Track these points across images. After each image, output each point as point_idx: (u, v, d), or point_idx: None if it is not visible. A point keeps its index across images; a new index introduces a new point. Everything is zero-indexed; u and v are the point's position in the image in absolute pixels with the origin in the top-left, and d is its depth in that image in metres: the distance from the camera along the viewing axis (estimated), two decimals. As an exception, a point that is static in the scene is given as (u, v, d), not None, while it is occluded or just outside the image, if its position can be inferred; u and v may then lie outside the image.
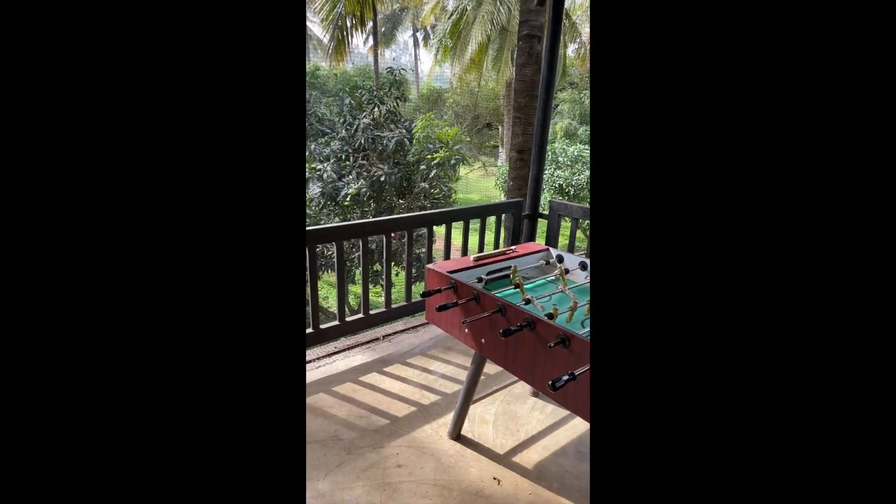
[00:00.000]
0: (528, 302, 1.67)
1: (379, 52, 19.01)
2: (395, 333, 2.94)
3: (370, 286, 2.63)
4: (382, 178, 6.91)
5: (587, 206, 3.22)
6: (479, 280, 1.87)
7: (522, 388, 2.36)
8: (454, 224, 3.04)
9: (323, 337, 2.62)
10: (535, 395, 2.33)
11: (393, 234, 2.87)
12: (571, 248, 3.14)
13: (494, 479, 1.82)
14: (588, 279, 2.01)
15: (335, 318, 2.64)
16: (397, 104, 7.49)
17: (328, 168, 7.04)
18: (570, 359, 1.38)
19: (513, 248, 2.21)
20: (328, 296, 9.61)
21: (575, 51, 14.81)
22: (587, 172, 9.78)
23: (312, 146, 7.64)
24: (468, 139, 14.75)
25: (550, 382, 1.22)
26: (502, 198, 11.16)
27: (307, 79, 15.61)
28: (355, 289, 8.11)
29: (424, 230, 2.93)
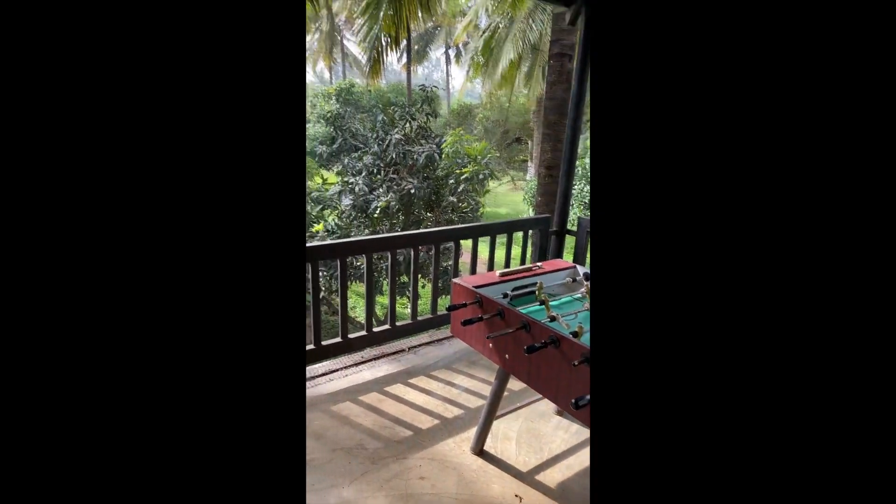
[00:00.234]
0: (553, 319, 1.67)
1: (412, 68, 19.49)
2: (420, 346, 2.97)
3: (397, 297, 2.69)
4: (412, 192, 7.05)
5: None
6: (505, 296, 1.88)
7: (547, 405, 2.34)
8: (481, 238, 3.08)
9: (351, 347, 2.69)
10: (559, 413, 2.31)
11: (420, 247, 2.94)
12: (599, 266, 3.10)
13: (517, 496, 1.81)
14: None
15: (363, 328, 2.72)
16: (428, 120, 7.66)
17: (360, 181, 7.25)
18: (594, 378, 1.37)
19: (539, 264, 2.22)
20: (356, 305, 9.78)
21: (607, 67, 14.65)
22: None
23: (346, 160, 7.92)
24: (497, 154, 14.82)
25: (573, 401, 1.22)
26: (530, 212, 11.11)
27: (342, 95, 16.18)
28: (382, 300, 8.24)
29: (451, 244, 2.98)
